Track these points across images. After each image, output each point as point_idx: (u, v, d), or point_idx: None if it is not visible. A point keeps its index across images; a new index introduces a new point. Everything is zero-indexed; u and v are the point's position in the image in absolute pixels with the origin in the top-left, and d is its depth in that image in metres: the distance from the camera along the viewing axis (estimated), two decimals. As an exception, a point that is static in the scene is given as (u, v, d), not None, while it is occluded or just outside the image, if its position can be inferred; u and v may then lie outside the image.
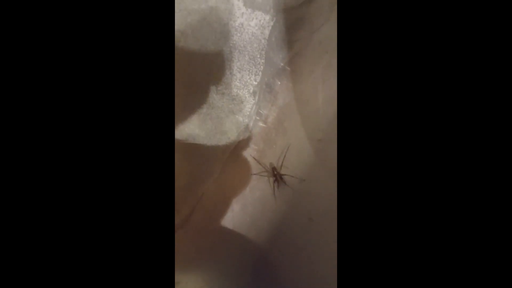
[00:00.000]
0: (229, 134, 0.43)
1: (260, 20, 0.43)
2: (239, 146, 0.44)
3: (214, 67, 0.40)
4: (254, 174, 0.42)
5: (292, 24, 0.45)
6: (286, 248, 0.38)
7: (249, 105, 0.44)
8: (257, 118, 0.45)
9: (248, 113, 0.44)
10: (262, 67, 0.44)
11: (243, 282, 0.37)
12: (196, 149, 0.41)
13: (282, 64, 0.46)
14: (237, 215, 0.41)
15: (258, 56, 0.44)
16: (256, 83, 0.44)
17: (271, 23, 0.44)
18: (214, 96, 0.41)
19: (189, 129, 0.40)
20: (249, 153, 0.44)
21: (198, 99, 0.40)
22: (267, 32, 0.44)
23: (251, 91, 0.44)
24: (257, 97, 0.45)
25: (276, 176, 0.40)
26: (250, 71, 0.43)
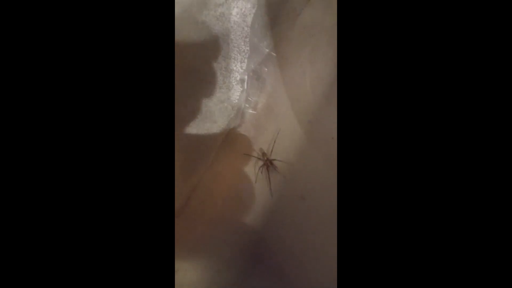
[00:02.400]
0: (219, 122, 0.43)
1: (241, 9, 0.43)
2: (230, 134, 0.44)
3: (198, 57, 0.41)
4: (246, 154, 0.42)
5: (274, 10, 0.46)
6: (282, 228, 0.38)
7: (237, 92, 0.45)
8: (247, 105, 0.45)
9: (236, 100, 0.44)
10: (247, 54, 0.45)
11: (241, 265, 0.37)
12: (187, 139, 0.41)
13: (267, 50, 0.46)
14: (232, 201, 0.41)
15: (242, 43, 0.44)
16: (243, 70, 0.44)
17: (253, 11, 0.44)
18: (200, 86, 0.42)
19: (178, 119, 0.41)
20: (240, 141, 0.44)
21: (185, 89, 0.41)
22: (249, 19, 0.44)
23: (238, 78, 0.44)
24: (245, 85, 0.45)
25: (266, 162, 0.40)
26: (236, 59, 0.44)
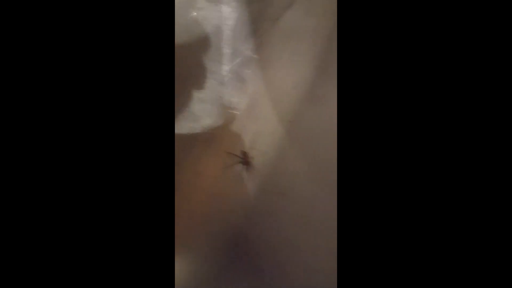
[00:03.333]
0: (202, 122, 0.44)
1: (222, 13, 0.45)
2: (212, 134, 0.45)
3: (179, 59, 0.42)
4: (228, 152, 0.43)
5: (255, 14, 0.47)
6: (261, 222, 0.39)
7: (219, 93, 0.46)
8: (229, 106, 0.46)
9: (218, 101, 0.45)
10: (229, 56, 0.46)
11: (224, 261, 0.38)
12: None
13: (249, 53, 0.47)
14: (214, 199, 0.42)
15: (224, 46, 0.45)
16: (225, 72, 0.46)
17: (234, 15, 0.46)
18: (182, 87, 0.43)
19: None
20: (222, 140, 0.45)
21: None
22: (230, 23, 0.46)
23: (220, 80, 0.45)
24: (227, 86, 0.46)
25: (245, 161, 0.41)
26: (217, 61, 0.45)
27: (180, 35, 0.42)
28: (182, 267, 0.38)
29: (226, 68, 0.46)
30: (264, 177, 0.42)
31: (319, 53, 0.45)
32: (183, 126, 0.43)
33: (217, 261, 0.38)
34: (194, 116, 0.44)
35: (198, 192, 0.42)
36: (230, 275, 0.37)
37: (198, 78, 0.44)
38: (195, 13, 0.43)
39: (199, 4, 0.43)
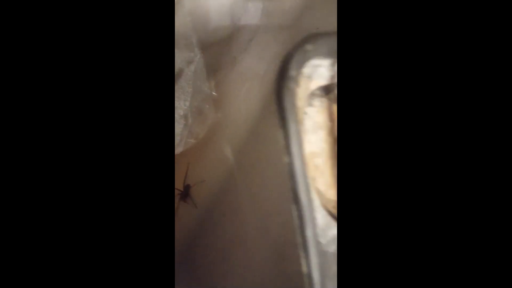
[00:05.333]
0: (164, 150, 0.52)
1: (185, 57, 0.53)
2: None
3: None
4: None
5: (215, 58, 0.55)
6: (205, 238, 0.46)
7: (181, 125, 0.53)
8: (189, 136, 0.54)
9: (180, 132, 0.53)
10: (190, 94, 0.54)
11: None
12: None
13: (209, 91, 0.55)
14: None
15: (186, 86, 0.54)
16: (186, 107, 0.54)
17: (196, 59, 0.54)
18: (147, 120, 0.51)
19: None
20: (181, 165, 0.53)
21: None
22: (193, 67, 0.54)
23: (182, 114, 0.53)
24: (189, 119, 0.54)
25: (185, 193, 0.49)
26: (179, 98, 0.53)
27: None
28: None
29: (187, 104, 0.54)
30: (212, 198, 0.49)
31: (265, 94, 0.54)
32: (147, 153, 0.51)
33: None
34: (157, 145, 0.52)
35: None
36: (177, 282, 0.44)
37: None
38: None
39: (165, 51, 0.51)
